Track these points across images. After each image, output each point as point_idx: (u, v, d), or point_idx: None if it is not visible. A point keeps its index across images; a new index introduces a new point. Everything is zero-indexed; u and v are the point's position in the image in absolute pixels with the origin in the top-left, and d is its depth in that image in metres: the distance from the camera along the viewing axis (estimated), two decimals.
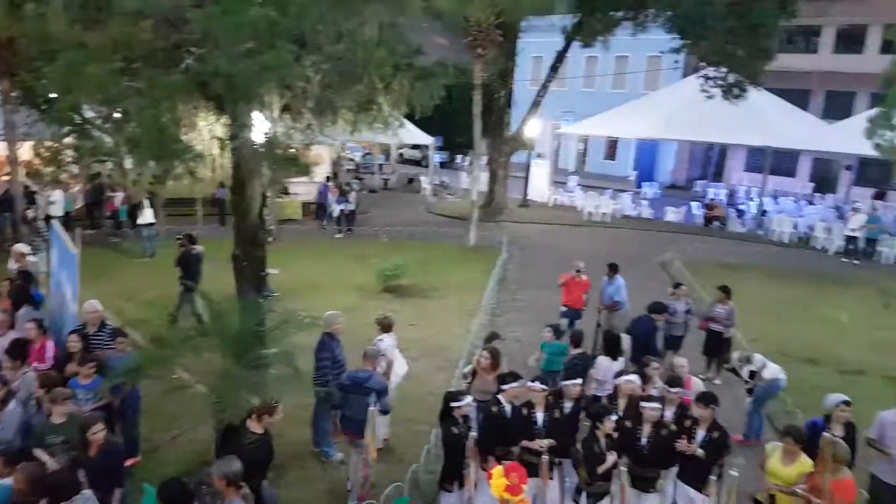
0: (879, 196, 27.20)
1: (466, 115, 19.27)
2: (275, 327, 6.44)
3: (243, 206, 8.83)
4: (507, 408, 6.27)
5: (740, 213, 24.09)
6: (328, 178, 21.91)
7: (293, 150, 8.21)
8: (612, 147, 35.68)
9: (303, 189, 20.72)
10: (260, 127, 8.13)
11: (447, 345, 10.98)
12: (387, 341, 7.71)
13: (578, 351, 8.14)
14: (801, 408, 8.54)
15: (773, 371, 8.24)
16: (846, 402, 6.20)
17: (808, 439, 5.80)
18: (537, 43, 29.82)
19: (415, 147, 33.96)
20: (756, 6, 16.96)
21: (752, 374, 8.27)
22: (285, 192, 20.16)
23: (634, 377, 6.71)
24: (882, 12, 26.62)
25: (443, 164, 35.64)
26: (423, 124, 24.99)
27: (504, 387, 6.39)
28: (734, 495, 5.35)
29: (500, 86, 22.57)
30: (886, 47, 20.66)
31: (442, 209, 24.38)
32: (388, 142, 25.02)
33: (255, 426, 5.52)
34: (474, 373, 7.51)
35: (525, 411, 6.19)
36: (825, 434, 5.65)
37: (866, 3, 27.60)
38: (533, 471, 6.02)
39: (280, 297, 11.98)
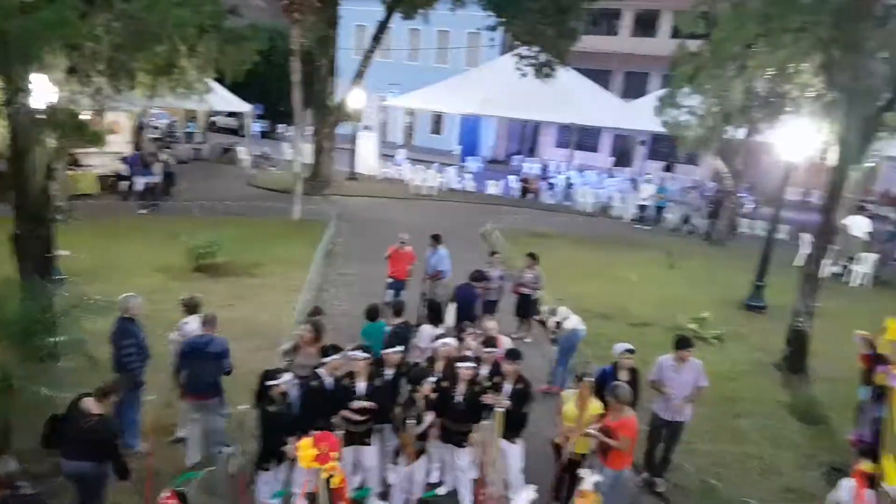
0: (668, 168, 30.91)
1: (289, 82, 18.61)
2: (62, 313, 5.84)
3: (23, 179, 7.83)
4: (329, 380, 6.30)
5: (551, 186, 26.04)
6: (137, 148, 20.03)
7: (81, 117, 7.41)
8: (437, 121, 36.58)
9: (99, 160, 18.77)
10: (42, 91, 7.24)
11: (270, 323, 10.69)
12: (192, 324, 7.32)
13: (400, 320, 8.35)
14: (597, 358, 9.53)
15: (573, 322, 9.16)
16: (630, 350, 7.05)
17: (598, 385, 6.53)
18: (360, 11, 29.45)
19: (231, 115, 32.12)
20: None
21: (558, 325, 9.14)
22: (76, 163, 18.15)
23: (450, 340, 7.06)
24: None
25: (264, 134, 34.17)
26: (241, 91, 23.68)
27: (325, 359, 6.41)
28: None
29: (321, 54, 22.02)
30: (676, 32, 23.19)
31: (264, 182, 23.44)
32: (196, 108, 23.40)
33: (94, 407, 5.41)
34: (297, 347, 7.42)
35: (346, 381, 6.26)
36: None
37: None
38: (355, 439, 6.16)
39: (72, 280, 10.82)
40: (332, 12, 21.93)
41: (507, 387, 6.47)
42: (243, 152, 26.36)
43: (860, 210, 20.60)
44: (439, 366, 6.84)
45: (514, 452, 6.61)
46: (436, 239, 11.37)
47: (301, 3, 17.25)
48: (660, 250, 17.83)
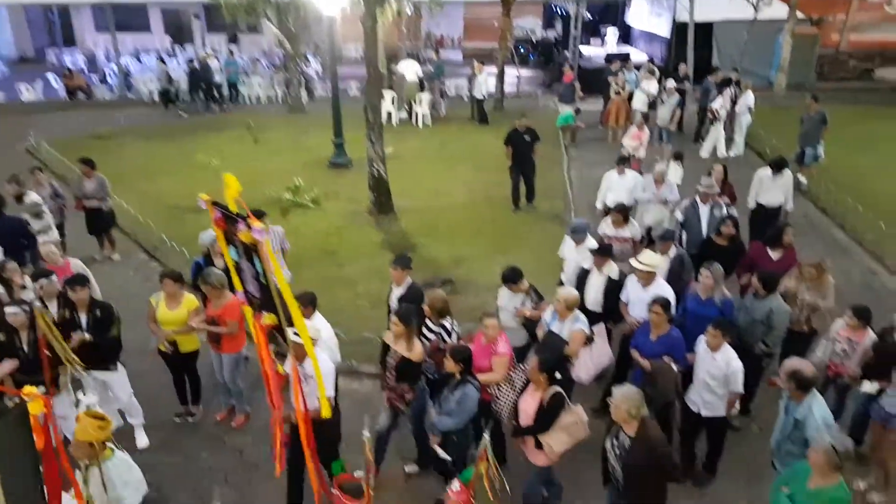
0: (233, 40, 29.67)
1: None
2: None
3: None
4: None
5: (104, 79, 22.86)
6: None
7: None
8: None
9: None
10: None
11: None
12: None
13: None
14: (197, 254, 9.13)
15: None
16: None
17: (193, 279, 6.26)
18: None
19: None
20: None
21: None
22: None
23: None
24: None
25: None
26: None
27: None
28: None
29: None
30: None
31: None
32: None
33: None
34: None
35: None
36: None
37: None
38: None
39: None
40: None
41: (83, 317, 5.73)
42: None
43: (409, 56, 23.25)
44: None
45: (117, 381, 6.04)
46: None
47: None
48: (240, 127, 17.46)
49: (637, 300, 6.35)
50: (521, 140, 11.60)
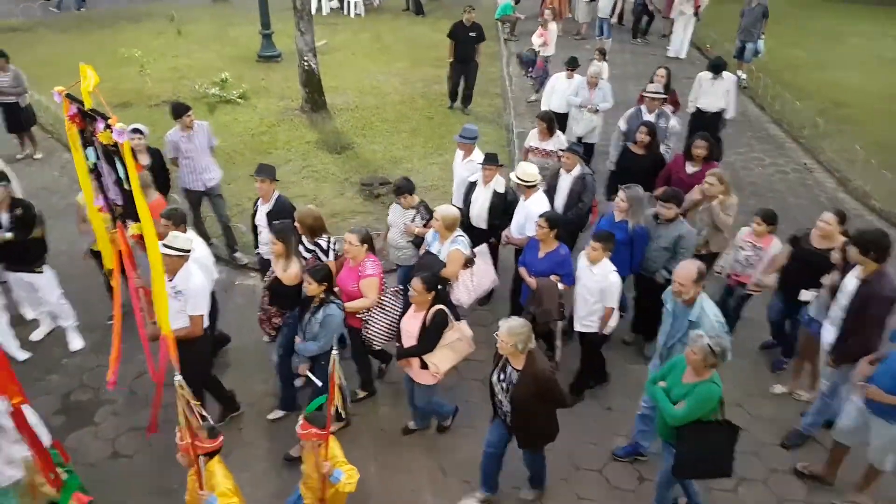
0: None
1: None
2: None
3: None
4: None
5: None
6: None
7: None
8: None
9: None
10: None
11: None
12: None
13: None
14: None
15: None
16: (137, 130, 6.77)
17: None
18: None
19: None
20: None
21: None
22: None
23: None
24: None
25: None
26: None
27: None
28: None
29: None
30: None
31: None
32: None
33: None
34: None
35: None
36: None
37: None
38: None
39: None
40: None
41: (3, 216, 5.62)
42: None
43: None
44: None
45: (45, 282, 6.02)
46: None
47: None
48: (162, 18, 16.46)
49: (519, 215, 6.24)
50: (466, 36, 11.10)
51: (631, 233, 5.80)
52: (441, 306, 4.87)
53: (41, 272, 6.02)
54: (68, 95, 4.13)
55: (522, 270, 5.74)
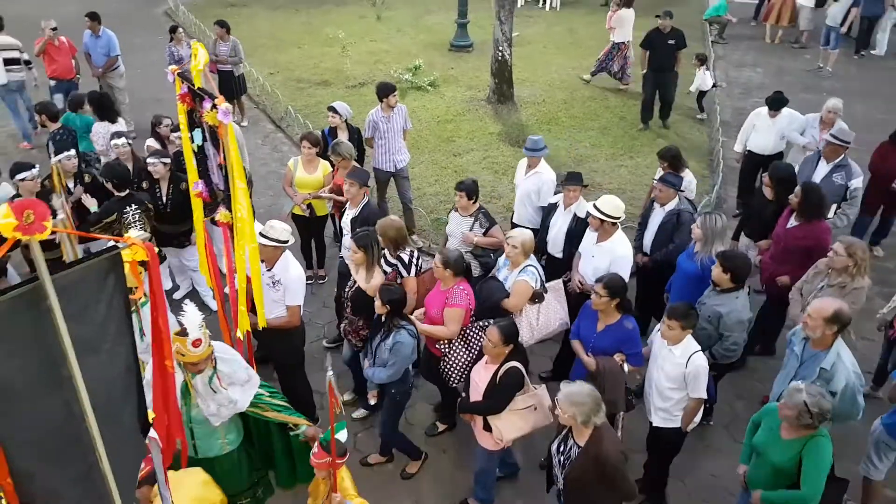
0: None
1: None
2: None
3: None
4: None
5: None
6: None
7: None
8: None
9: None
10: None
11: None
12: None
13: (57, 126, 7.29)
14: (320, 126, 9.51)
15: None
16: (331, 109, 7.18)
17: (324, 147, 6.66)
18: None
19: None
20: None
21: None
22: None
23: (122, 140, 6.51)
24: None
25: None
26: None
27: None
28: None
29: None
30: None
31: None
32: None
33: None
34: None
35: None
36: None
37: None
38: None
39: None
40: None
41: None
42: None
43: None
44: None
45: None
46: (94, 18, 9.89)
47: None
48: (365, 2, 17.40)
49: (587, 253, 5.37)
50: (663, 44, 10.16)
51: (700, 265, 5.01)
52: (516, 364, 4.23)
53: None
54: (180, 75, 4.14)
55: (577, 345, 4.70)
